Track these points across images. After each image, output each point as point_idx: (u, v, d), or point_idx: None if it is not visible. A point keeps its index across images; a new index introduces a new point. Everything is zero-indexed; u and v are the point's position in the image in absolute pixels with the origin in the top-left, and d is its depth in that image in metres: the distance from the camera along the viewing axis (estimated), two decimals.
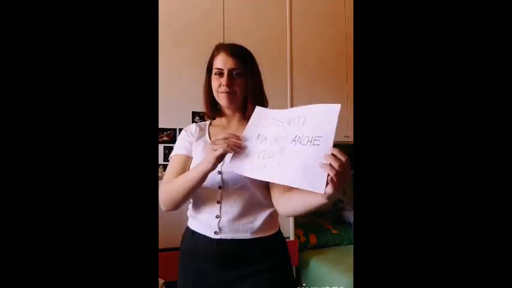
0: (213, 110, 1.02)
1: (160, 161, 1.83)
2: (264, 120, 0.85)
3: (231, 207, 0.90)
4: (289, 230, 2.12)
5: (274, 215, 0.95)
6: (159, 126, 1.83)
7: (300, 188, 0.69)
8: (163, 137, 1.86)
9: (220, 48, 0.97)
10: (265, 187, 0.92)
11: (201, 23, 2.01)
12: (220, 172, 0.90)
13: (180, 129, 1.11)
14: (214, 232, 0.90)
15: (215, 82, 0.95)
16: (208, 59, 1.00)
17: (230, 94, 0.94)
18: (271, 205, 0.92)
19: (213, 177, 0.90)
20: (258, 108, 0.90)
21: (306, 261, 2.17)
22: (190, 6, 2.00)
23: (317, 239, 2.34)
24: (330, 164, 0.65)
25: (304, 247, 2.26)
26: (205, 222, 0.92)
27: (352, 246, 2.15)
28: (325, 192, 0.66)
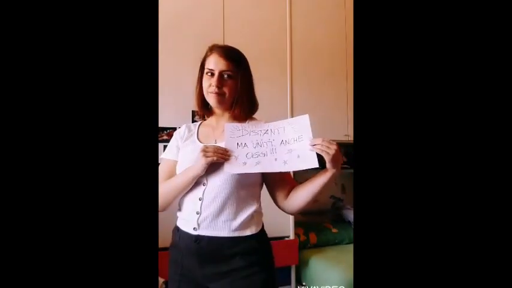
0: (204, 108, 1.04)
1: (160, 159, 1.83)
2: (237, 132, 0.96)
3: (211, 205, 0.91)
4: (289, 229, 2.12)
5: (256, 215, 0.96)
6: (159, 125, 1.83)
7: (298, 169, 0.85)
8: (163, 136, 1.86)
9: (213, 49, 0.99)
10: (252, 185, 0.95)
11: (201, 22, 2.01)
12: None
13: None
14: (193, 228, 0.92)
15: (206, 82, 0.98)
16: (202, 59, 1.01)
17: (219, 95, 0.96)
18: (254, 205, 0.95)
19: None
20: (227, 125, 0.96)
21: (305, 260, 2.18)
22: (190, 5, 2.00)
23: (317, 237, 2.34)
24: (324, 146, 0.82)
25: (304, 246, 2.27)
26: (187, 218, 0.95)
27: (352, 245, 2.15)
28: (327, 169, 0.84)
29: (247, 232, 0.93)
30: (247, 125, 0.97)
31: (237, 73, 0.97)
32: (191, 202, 0.94)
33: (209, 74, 0.97)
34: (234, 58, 0.97)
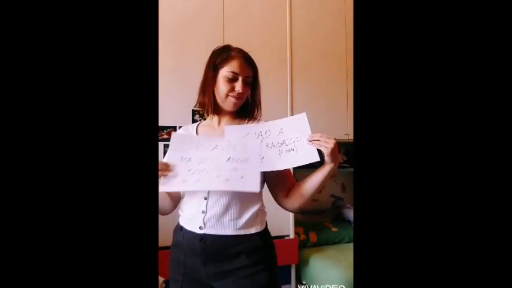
0: (215, 108, 1.01)
1: (160, 158, 1.83)
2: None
3: (216, 204, 0.92)
4: (289, 228, 2.12)
5: (260, 214, 0.97)
6: (159, 124, 1.83)
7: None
8: (163, 135, 1.86)
9: (235, 52, 0.97)
10: None
11: (201, 22, 2.01)
12: None
13: (180, 127, 1.11)
14: (199, 227, 0.93)
15: (226, 85, 0.95)
16: (213, 58, 0.98)
17: (240, 99, 0.97)
18: (257, 203, 0.96)
19: None
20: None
21: (305, 259, 2.18)
22: (191, 5, 2.00)
23: (317, 236, 2.34)
24: (322, 141, 0.85)
25: (304, 245, 2.27)
26: (192, 217, 0.95)
27: (352, 244, 2.16)
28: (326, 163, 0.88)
29: (252, 230, 0.94)
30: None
31: (254, 79, 1.00)
32: (196, 201, 0.95)
33: (231, 77, 0.95)
34: (254, 65, 0.99)
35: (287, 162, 0.90)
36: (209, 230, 0.92)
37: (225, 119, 1.03)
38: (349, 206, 2.67)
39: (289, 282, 2.13)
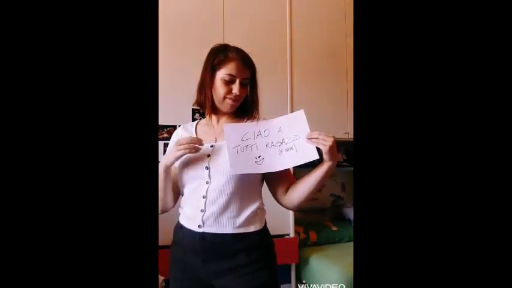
0: (213, 109, 1.01)
1: (160, 157, 1.83)
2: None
3: (215, 202, 0.92)
4: (289, 227, 2.12)
5: (259, 212, 0.98)
6: (159, 123, 1.84)
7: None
8: (163, 133, 1.86)
9: (232, 53, 0.96)
10: (254, 182, 0.96)
11: (201, 21, 2.01)
12: (207, 168, 0.93)
13: (180, 126, 1.11)
14: (198, 226, 0.93)
15: (224, 87, 0.95)
16: (211, 59, 0.98)
17: (237, 101, 0.97)
18: (257, 201, 0.97)
19: (201, 173, 0.94)
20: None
21: (305, 258, 2.18)
22: (190, 4, 2.00)
23: (317, 235, 2.34)
24: (321, 139, 0.85)
25: (304, 244, 2.27)
26: (191, 215, 0.95)
27: (352, 243, 2.15)
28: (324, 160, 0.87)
29: (252, 228, 0.95)
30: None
31: (252, 80, 0.99)
32: (195, 200, 0.95)
33: (228, 80, 0.95)
34: (252, 66, 0.99)
35: (288, 162, 0.90)
36: (208, 229, 0.92)
37: (224, 118, 1.03)
38: (349, 205, 2.67)
39: (289, 281, 2.13)
